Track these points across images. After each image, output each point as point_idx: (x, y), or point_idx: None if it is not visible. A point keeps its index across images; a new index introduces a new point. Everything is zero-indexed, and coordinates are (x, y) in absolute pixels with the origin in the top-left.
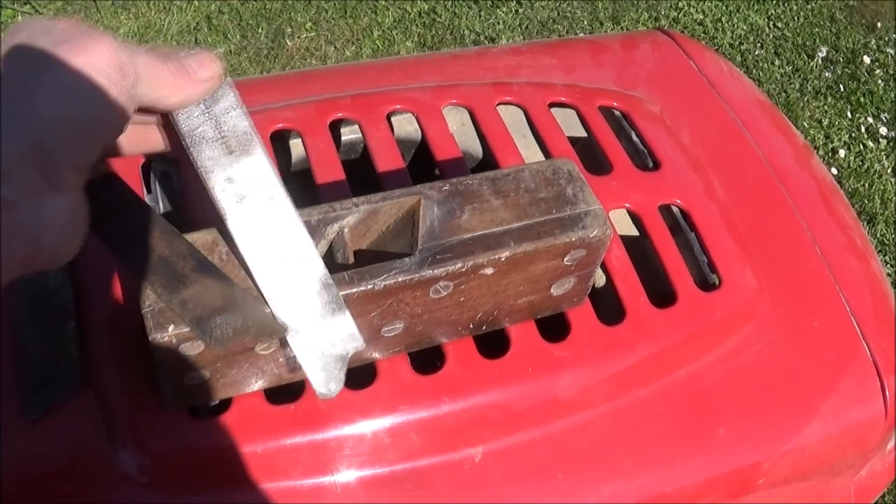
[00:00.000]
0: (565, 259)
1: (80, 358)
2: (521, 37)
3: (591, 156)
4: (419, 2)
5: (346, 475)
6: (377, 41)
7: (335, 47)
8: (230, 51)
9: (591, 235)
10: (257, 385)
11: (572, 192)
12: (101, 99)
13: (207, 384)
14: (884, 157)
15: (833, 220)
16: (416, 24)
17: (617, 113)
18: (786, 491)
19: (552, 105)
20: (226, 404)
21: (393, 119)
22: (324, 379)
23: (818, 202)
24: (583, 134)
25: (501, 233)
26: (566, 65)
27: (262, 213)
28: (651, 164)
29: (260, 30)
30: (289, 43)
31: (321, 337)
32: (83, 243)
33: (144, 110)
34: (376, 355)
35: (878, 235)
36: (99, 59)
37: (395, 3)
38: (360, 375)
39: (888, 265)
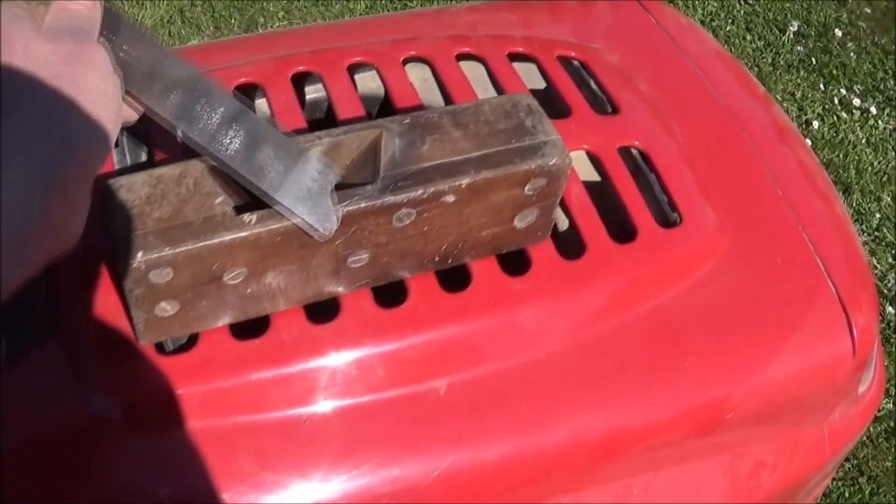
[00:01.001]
0: (526, 188)
1: (47, 303)
2: None
3: (549, 107)
4: None
5: (316, 407)
6: None
7: None
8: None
9: (551, 163)
10: (224, 319)
11: (531, 124)
12: (117, 102)
13: (177, 316)
14: (857, 128)
15: (794, 163)
16: (388, 10)
17: (575, 63)
18: (757, 433)
19: (511, 57)
20: (192, 342)
21: (356, 77)
22: (317, 218)
23: (779, 146)
24: (541, 87)
25: (462, 161)
26: (524, 21)
27: (192, 101)
28: (610, 110)
29: (233, 20)
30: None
31: (297, 181)
32: None
33: None
34: (341, 289)
35: (853, 205)
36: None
37: None
38: (323, 310)
39: (864, 234)
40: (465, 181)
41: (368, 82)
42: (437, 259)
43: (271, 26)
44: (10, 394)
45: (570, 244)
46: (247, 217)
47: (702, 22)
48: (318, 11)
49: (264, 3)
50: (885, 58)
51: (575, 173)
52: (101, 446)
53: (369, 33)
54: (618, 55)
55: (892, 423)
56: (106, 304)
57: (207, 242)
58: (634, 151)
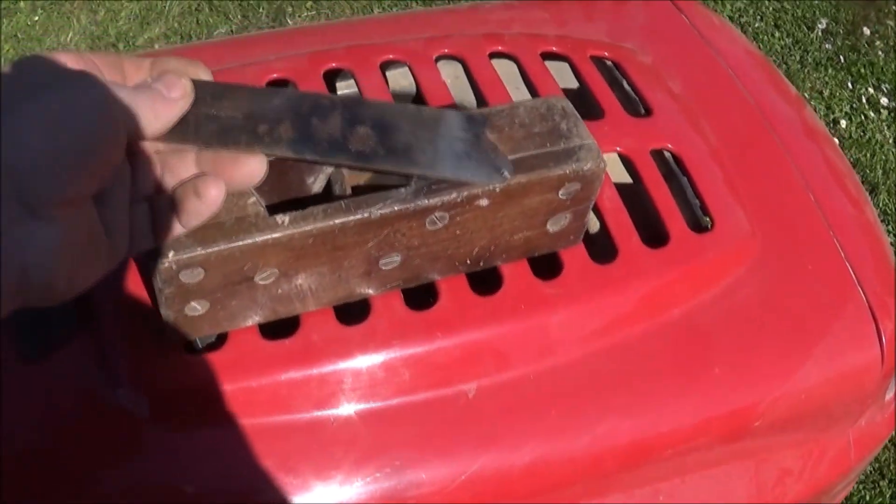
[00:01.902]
0: (560, 193)
1: (76, 297)
2: None
3: (582, 107)
4: None
5: (342, 409)
6: None
7: None
8: (231, 31)
9: (586, 168)
10: (254, 319)
11: (566, 128)
12: (84, 133)
13: (207, 315)
14: (885, 128)
15: (826, 167)
16: (417, 1)
17: (608, 63)
18: (783, 440)
19: (544, 56)
20: (221, 341)
21: (388, 73)
22: (487, 172)
23: (810, 149)
24: (574, 87)
25: None
26: (558, 19)
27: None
28: (643, 112)
29: (261, 9)
30: (290, 22)
31: (448, 148)
32: (94, 276)
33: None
34: (371, 291)
35: (880, 205)
36: (83, 93)
37: None
38: (353, 311)
39: (890, 234)
40: (499, 185)
41: (400, 79)
42: (468, 262)
43: (299, 16)
44: (38, 386)
45: (601, 247)
46: (279, 218)
47: (730, 18)
48: (346, 1)
49: None
50: None
51: (608, 176)
52: (127, 440)
53: (402, 30)
54: (651, 55)
55: None
56: (135, 299)
57: (239, 243)
58: (667, 154)
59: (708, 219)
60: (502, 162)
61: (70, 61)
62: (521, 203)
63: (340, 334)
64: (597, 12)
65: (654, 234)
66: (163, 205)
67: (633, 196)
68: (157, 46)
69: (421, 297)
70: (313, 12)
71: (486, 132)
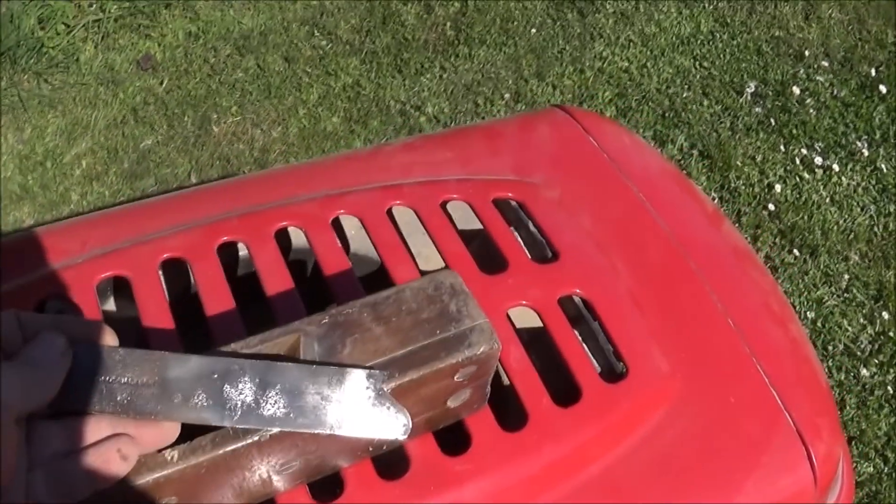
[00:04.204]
0: (455, 377)
1: None
2: (447, 102)
3: (490, 249)
4: (343, 76)
5: None
6: (303, 119)
7: (261, 129)
8: (158, 142)
9: (479, 352)
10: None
11: (456, 308)
12: None
13: None
14: (821, 187)
15: (746, 288)
16: (341, 99)
17: (514, 204)
18: None
19: (446, 202)
20: None
21: (290, 228)
22: (389, 429)
23: (729, 271)
24: (479, 228)
25: (385, 363)
26: (462, 157)
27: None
28: (550, 255)
29: (186, 118)
30: (215, 129)
31: (353, 406)
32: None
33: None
34: (277, 489)
35: (821, 268)
36: None
37: (318, 80)
38: None
39: (834, 296)
40: (391, 386)
41: (302, 235)
42: (370, 448)
43: (224, 122)
44: None
45: (512, 401)
46: (168, 454)
47: (657, 90)
48: (271, 104)
49: (216, 99)
50: (845, 111)
51: (514, 336)
52: None
53: (301, 185)
54: (558, 188)
55: (873, 488)
56: None
57: (131, 484)
58: (577, 299)
59: (622, 364)
60: (402, 415)
61: None
62: (418, 393)
63: None
64: (502, 144)
65: (567, 385)
66: (72, 470)
67: (547, 342)
68: (84, 163)
69: (328, 483)
70: (238, 117)
71: (384, 388)
